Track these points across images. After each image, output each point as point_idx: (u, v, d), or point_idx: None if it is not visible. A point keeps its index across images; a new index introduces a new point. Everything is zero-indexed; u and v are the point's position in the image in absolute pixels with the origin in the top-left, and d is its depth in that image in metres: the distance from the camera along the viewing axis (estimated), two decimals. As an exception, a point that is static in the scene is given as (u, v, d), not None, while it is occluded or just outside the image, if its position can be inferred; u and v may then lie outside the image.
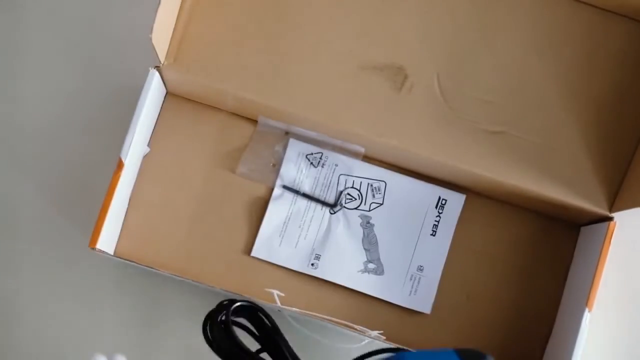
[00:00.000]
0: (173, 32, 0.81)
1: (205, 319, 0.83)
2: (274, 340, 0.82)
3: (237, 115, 0.86)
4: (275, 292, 0.81)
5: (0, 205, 0.87)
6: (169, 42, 0.80)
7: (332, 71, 0.81)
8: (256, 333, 0.83)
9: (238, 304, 0.83)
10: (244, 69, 0.81)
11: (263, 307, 0.83)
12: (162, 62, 0.79)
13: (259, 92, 0.81)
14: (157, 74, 0.79)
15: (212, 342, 0.82)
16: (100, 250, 0.77)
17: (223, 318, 0.82)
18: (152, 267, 0.78)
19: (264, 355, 0.82)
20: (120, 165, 0.77)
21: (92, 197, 0.80)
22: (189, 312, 0.85)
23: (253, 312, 0.83)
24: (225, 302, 0.83)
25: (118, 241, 0.84)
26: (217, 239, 0.85)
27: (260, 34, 0.81)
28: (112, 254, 0.82)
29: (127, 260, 0.78)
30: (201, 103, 0.86)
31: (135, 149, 0.79)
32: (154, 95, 0.80)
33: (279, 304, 0.80)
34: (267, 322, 0.82)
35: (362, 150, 0.84)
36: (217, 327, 0.82)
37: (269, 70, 0.81)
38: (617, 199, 0.80)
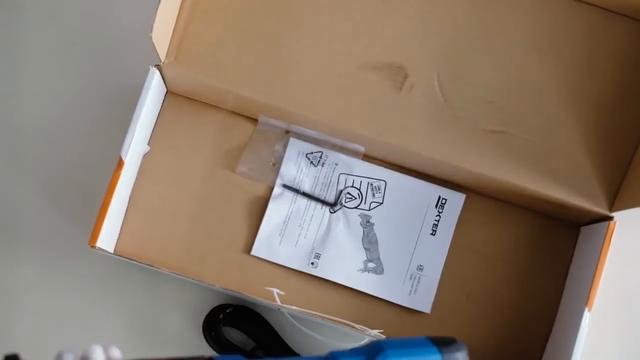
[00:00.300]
0: (173, 31, 0.80)
1: (204, 321, 0.83)
2: (268, 338, 0.83)
3: (238, 114, 0.86)
4: (275, 290, 0.81)
5: (0, 205, 0.87)
6: (169, 41, 0.80)
7: (333, 70, 0.81)
8: (252, 332, 0.84)
9: (233, 307, 0.83)
10: (244, 68, 0.81)
11: (262, 305, 0.83)
12: (162, 61, 0.79)
13: (259, 91, 0.81)
14: (157, 72, 0.79)
15: (212, 342, 0.83)
16: (100, 249, 0.77)
17: (221, 318, 0.83)
18: (151, 265, 0.77)
19: (259, 352, 0.83)
20: (120, 163, 0.77)
21: (92, 196, 0.80)
22: (188, 310, 0.85)
23: (248, 313, 0.84)
24: (221, 305, 0.84)
25: (118, 239, 0.84)
26: (217, 237, 0.85)
27: (260, 33, 0.81)
28: (112, 252, 0.82)
29: (127, 258, 0.78)
30: (201, 102, 0.86)
31: (135, 147, 0.79)
32: (154, 94, 0.80)
33: (278, 302, 0.80)
34: (260, 321, 0.83)
35: (362, 149, 0.84)
36: (216, 328, 0.82)
37: (270, 70, 0.81)
38: (617, 199, 0.80)
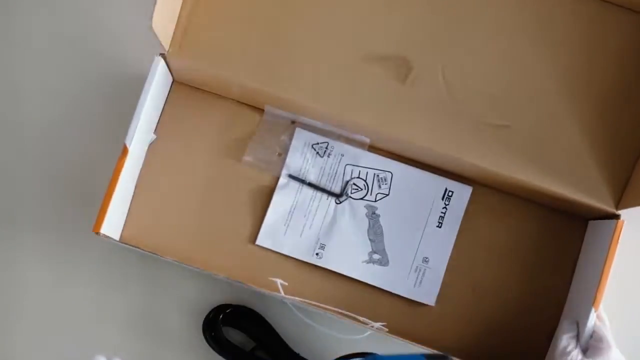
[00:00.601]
0: (178, 20, 0.80)
1: (204, 321, 0.83)
2: (268, 338, 0.83)
3: (244, 103, 0.85)
4: (279, 281, 0.81)
5: (5, 194, 0.88)
6: (173, 30, 0.80)
7: (337, 61, 0.81)
8: (252, 332, 0.83)
9: (233, 307, 0.83)
10: (249, 58, 0.80)
11: (265, 296, 0.83)
12: (167, 50, 0.79)
13: (264, 81, 0.80)
14: (162, 61, 0.79)
15: (212, 342, 0.83)
16: (104, 236, 0.77)
17: (221, 318, 0.83)
18: (155, 253, 0.77)
19: (259, 352, 0.83)
20: (125, 151, 0.77)
21: (99, 185, 0.80)
22: (188, 310, 0.85)
23: (248, 313, 0.84)
24: (221, 305, 0.84)
25: (124, 228, 0.84)
26: (222, 227, 0.84)
27: (266, 22, 0.81)
28: (117, 239, 0.82)
29: (132, 246, 0.78)
30: (208, 91, 0.85)
31: (140, 136, 0.79)
32: (159, 83, 0.80)
33: (282, 293, 0.80)
34: (260, 321, 0.83)
35: (367, 140, 0.83)
36: (216, 328, 0.82)
37: (275, 60, 0.80)
38: (623, 197, 0.79)
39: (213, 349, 0.83)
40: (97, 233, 0.76)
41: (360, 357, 0.68)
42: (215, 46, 0.80)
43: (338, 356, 0.72)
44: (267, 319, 0.84)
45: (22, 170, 0.88)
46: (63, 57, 0.89)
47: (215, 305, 0.84)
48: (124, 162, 0.77)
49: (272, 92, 0.80)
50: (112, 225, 0.79)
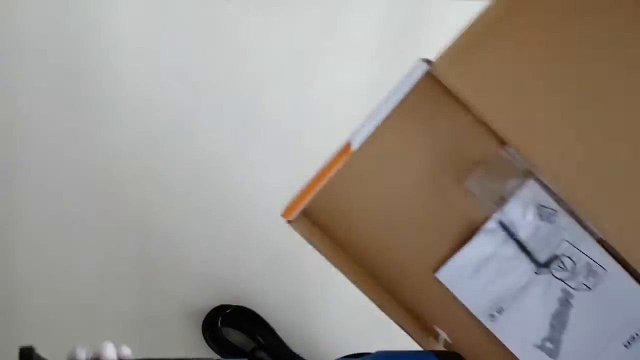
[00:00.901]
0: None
1: (203, 321, 0.82)
2: (267, 339, 0.81)
3: (486, 125, 0.75)
4: (444, 335, 0.75)
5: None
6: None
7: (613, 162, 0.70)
8: (251, 332, 0.82)
9: (233, 307, 0.80)
10: (521, 117, 0.70)
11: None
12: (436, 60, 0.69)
13: (525, 143, 0.71)
14: (425, 66, 0.70)
15: (211, 343, 0.81)
16: (293, 223, 0.72)
17: (220, 319, 0.80)
18: (332, 261, 0.73)
19: (259, 353, 0.81)
20: (346, 149, 0.70)
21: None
22: (188, 310, 0.85)
23: (247, 313, 0.81)
24: (221, 306, 0.81)
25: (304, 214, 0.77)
26: (409, 241, 0.78)
27: (553, 91, 0.70)
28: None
29: (313, 244, 0.73)
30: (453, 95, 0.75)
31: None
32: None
33: (441, 346, 0.75)
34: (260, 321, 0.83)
35: (601, 235, 0.74)
36: (215, 329, 0.80)
37: (547, 130, 0.70)
38: None
39: (213, 349, 0.82)
40: (289, 220, 0.71)
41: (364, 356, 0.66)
42: (485, 82, 0.70)
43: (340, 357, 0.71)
44: (267, 319, 0.81)
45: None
46: None
47: (215, 306, 0.82)
48: (342, 160, 0.70)
49: (528, 154, 0.71)
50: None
